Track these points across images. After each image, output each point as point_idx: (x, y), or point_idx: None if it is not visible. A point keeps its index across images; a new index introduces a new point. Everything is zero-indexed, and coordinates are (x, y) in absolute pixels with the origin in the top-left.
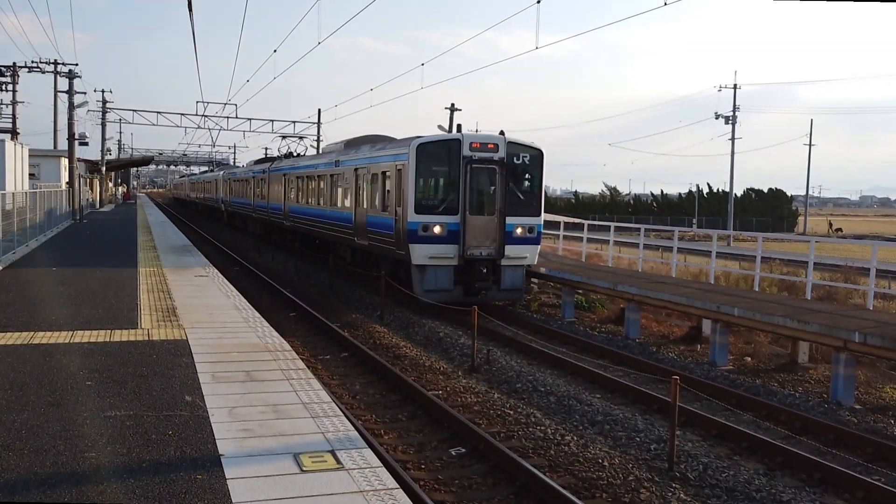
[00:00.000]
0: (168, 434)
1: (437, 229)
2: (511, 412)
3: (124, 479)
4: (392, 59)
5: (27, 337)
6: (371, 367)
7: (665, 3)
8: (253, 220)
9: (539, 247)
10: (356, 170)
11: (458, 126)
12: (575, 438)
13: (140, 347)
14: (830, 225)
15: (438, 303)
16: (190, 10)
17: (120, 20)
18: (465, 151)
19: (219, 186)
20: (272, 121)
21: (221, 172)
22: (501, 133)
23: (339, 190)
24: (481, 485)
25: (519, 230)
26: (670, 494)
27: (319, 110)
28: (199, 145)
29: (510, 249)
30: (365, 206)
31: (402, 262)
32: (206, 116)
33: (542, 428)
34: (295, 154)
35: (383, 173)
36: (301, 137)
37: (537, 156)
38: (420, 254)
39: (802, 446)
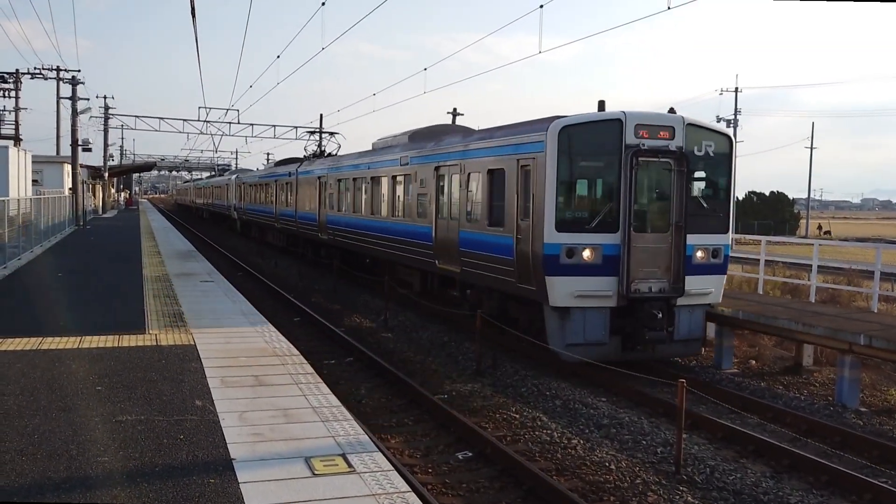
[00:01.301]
0: (179, 438)
1: (587, 254)
2: (517, 416)
3: (137, 483)
4: (394, 64)
5: (36, 342)
6: (376, 371)
7: (668, 8)
8: (275, 231)
9: (725, 276)
10: (437, 168)
11: None
12: (581, 442)
13: (148, 352)
14: (819, 228)
15: (590, 360)
16: (193, 16)
17: (123, 26)
18: (629, 138)
19: (231, 192)
20: (274, 126)
21: (234, 176)
22: (671, 111)
23: (408, 196)
24: (488, 488)
25: (700, 253)
26: (678, 497)
27: (321, 115)
28: (202, 151)
29: (691, 282)
30: (454, 217)
31: (525, 301)
32: (208, 122)
33: (549, 431)
34: (325, 153)
35: (491, 173)
36: (332, 133)
37: (726, 145)
38: (562, 291)
39: (809, 449)
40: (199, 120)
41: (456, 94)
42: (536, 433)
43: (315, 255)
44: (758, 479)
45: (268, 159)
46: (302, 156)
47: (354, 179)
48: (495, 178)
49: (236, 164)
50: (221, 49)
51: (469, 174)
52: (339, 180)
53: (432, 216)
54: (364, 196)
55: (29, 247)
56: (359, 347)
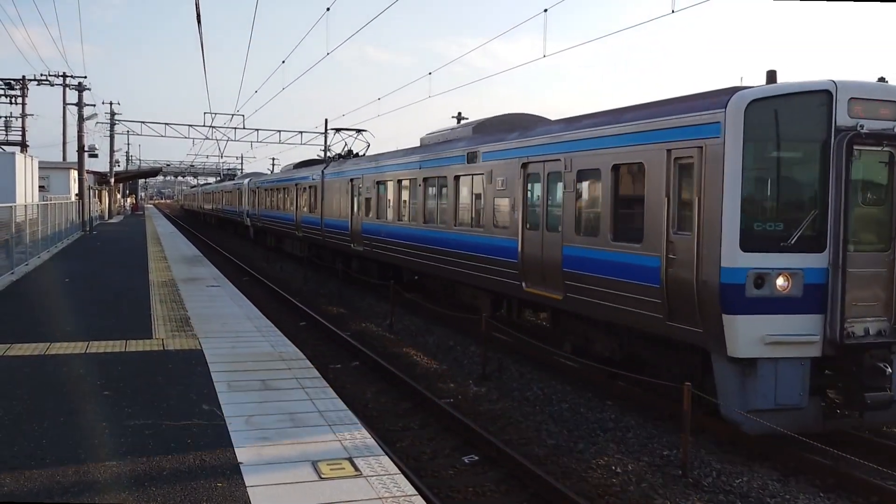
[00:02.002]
0: (187, 443)
1: (781, 283)
2: (523, 419)
3: (145, 487)
4: (399, 68)
5: (43, 348)
6: (382, 375)
7: (672, 11)
8: (295, 240)
9: None
10: (526, 165)
11: None
12: (587, 445)
13: (155, 357)
14: None
15: (781, 430)
16: (199, 22)
17: (129, 33)
18: (841, 117)
19: (243, 196)
20: (279, 131)
21: (247, 180)
22: (882, 80)
23: (480, 200)
24: (494, 492)
25: None
26: (684, 501)
27: (326, 120)
28: (207, 156)
29: None
30: (554, 228)
31: (675, 346)
32: (213, 127)
33: (555, 435)
34: (352, 153)
35: (617, 169)
36: (359, 131)
37: None
38: (748, 335)
39: (815, 451)
40: (204, 125)
41: (462, 98)
42: (542, 437)
43: (345, 267)
44: (764, 482)
45: (273, 164)
46: (321, 157)
47: (399, 181)
48: (625, 176)
49: (242, 169)
50: (227, 55)
51: (579, 171)
52: (379, 183)
53: (517, 226)
54: (414, 201)
55: (36, 252)
56: (364, 351)
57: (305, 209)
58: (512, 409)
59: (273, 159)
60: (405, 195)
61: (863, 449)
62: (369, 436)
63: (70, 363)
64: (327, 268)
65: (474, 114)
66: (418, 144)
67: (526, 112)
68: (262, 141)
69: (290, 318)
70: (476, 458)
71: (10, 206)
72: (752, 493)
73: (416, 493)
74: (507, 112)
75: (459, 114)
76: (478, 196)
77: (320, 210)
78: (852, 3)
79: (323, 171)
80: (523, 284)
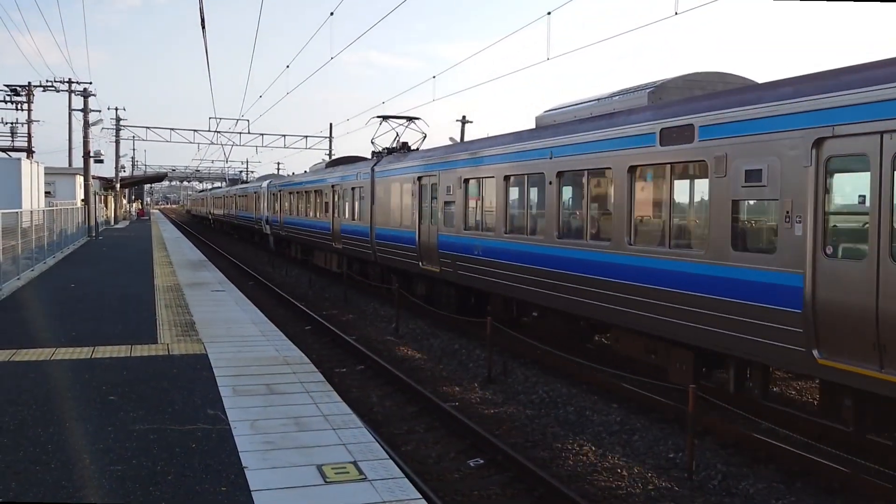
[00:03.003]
0: (192, 447)
1: None
2: (528, 423)
3: (150, 492)
4: (403, 72)
5: (49, 353)
6: (387, 379)
7: (675, 13)
8: (331, 253)
9: None
10: (819, 143)
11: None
12: (593, 448)
13: (160, 362)
14: None
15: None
16: (203, 27)
17: (134, 38)
18: None
19: (263, 201)
20: (284, 136)
21: (267, 182)
22: None
23: (703, 204)
24: (500, 496)
25: None
26: (690, 503)
27: (331, 124)
28: (212, 161)
29: None
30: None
31: None
32: (218, 132)
33: (560, 438)
34: (406, 146)
35: None
36: (411, 118)
37: None
38: None
39: (821, 453)
40: (209, 130)
41: (466, 102)
42: (548, 440)
43: (404, 289)
44: (770, 485)
45: (279, 168)
46: (326, 160)
47: (509, 178)
48: None
49: (247, 173)
50: (231, 60)
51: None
52: (470, 180)
53: (794, 248)
54: (538, 207)
55: (42, 258)
56: (370, 356)
57: (346, 216)
58: (517, 412)
59: (278, 164)
60: (521, 197)
61: (868, 451)
62: (374, 440)
63: (75, 368)
64: (331, 273)
65: (479, 117)
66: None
67: (720, 71)
68: (267, 145)
69: (295, 322)
70: (481, 461)
71: (17, 212)
72: (758, 495)
73: (420, 497)
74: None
75: (464, 117)
76: (691, 197)
77: (369, 217)
78: (852, 3)
79: (373, 169)
80: (816, 353)
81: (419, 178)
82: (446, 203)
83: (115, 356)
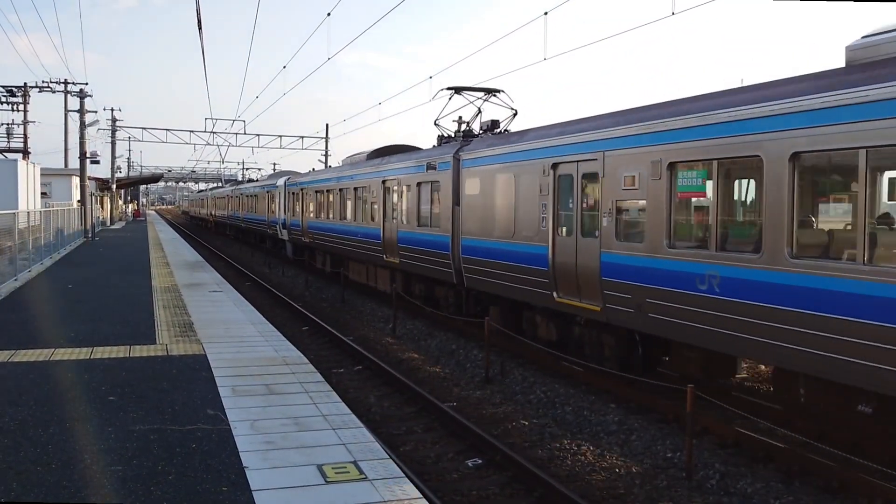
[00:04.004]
0: (192, 447)
1: None
2: (526, 423)
3: (150, 491)
4: (400, 73)
5: (48, 354)
6: (385, 379)
7: (673, 13)
8: (382, 269)
9: None
10: None
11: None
12: (591, 448)
13: (159, 363)
14: None
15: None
16: (200, 28)
17: (130, 39)
18: None
19: (279, 202)
20: (280, 136)
21: (283, 180)
22: None
23: None
24: (499, 495)
25: None
26: (688, 503)
27: (327, 125)
28: (208, 162)
29: None
30: None
31: None
32: (214, 133)
33: (558, 438)
34: (496, 125)
35: None
36: (491, 91)
37: None
38: None
39: (820, 453)
40: (205, 131)
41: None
42: (546, 440)
43: (517, 328)
44: (768, 484)
45: (274, 169)
46: (322, 161)
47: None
48: None
49: (243, 174)
50: (228, 60)
51: None
52: (689, 166)
53: None
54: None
55: (39, 259)
56: (368, 356)
57: (407, 221)
58: (515, 412)
59: (275, 164)
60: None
61: (867, 450)
62: (374, 440)
63: (74, 369)
64: (328, 274)
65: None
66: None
67: None
68: (263, 146)
69: (293, 322)
70: (480, 461)
71: (13, 213)
72: (756, 494)
73: (420, 496)
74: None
75: (460, 118)
76: None
77: (450, 223)
78: (852, 3)
79: (457, 157)
80: None
81: (554, 166)
82: (619, 205)
83: (114, 357)
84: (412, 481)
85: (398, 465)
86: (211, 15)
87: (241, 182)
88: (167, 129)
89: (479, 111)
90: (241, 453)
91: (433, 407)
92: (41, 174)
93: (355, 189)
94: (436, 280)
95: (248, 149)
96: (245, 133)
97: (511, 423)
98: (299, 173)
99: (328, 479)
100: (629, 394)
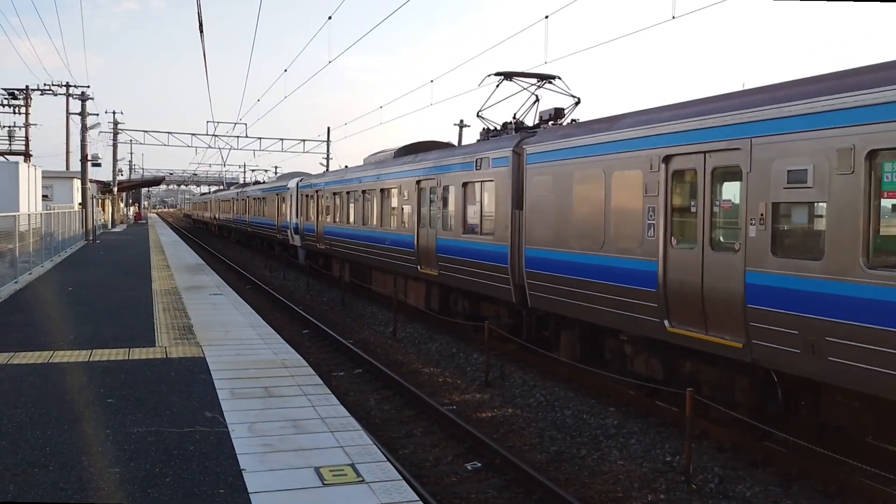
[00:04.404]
0: (189, 450)
1: None
2: (525, 426)
3: (148, 493)
4: (401, 76)
5: (47, 356)
6: (385, 382)
7: (673, 17)
8: (422, 283)
9: None
10: None
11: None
12: (590, 452)
13: (158, 365)
14: None
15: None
16: (201, 31)
17: (132, 42)
18: None
19: (290, 205)
20: (282, 139)
21: (295, 181)
22: None
23: None
24: (497, 499)
25: None
26: None
27: (329, 128)
28: (210, 165)
29: None
30: None
31: None
32: (216, 136)
33: (557, 442)
34: (560, 114)
35: None
36: (545, 77)
37: None
38: None
39: (818, 456)
40: (207, 134)
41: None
42: (545, 443)
43: (596, 360)
44: (767, 488)
45: (276, 172)
46: (325, 165)
47: None
48: None
49: (244, 177)
50: (229, 64)
51: None
52: None
53: None
54: None
55: (39, 261)
56: (367, 359)
57: (450, 226)
58: (515, 415)
59: (276, 167)
60: None
61: (865, 454)
62: (371, 442)
63: (73, 371)
64: (330, 277)
65: (474, 121)
66: None
67: None
68: (264, 149)
69: (292, 326)
70: (479, 464)
71: (14, 216)
72: (755, 498)
73: (418, 499)
74: None
75: (461, 121)
76: None
77: (509, 230)
78: (852, 3)
79: (518, 151)
80: None
81: (667, 159)
82: (776, 209)
83: (113, 359)
84: (410, 484)
85: (396, 468)
86: (212, 18)
87: (248, 184)
88: (169, 132)
89: (537, 99)
90: (238, 455)
91: (433, 410)
92: (42, 177)
93: (381, 191)
94: (486, 297)
95: (250, 152)
96: (247, 136)
97: (510, 426)
98: (311, 174)
99: (325, 482)
100: (628, 398)
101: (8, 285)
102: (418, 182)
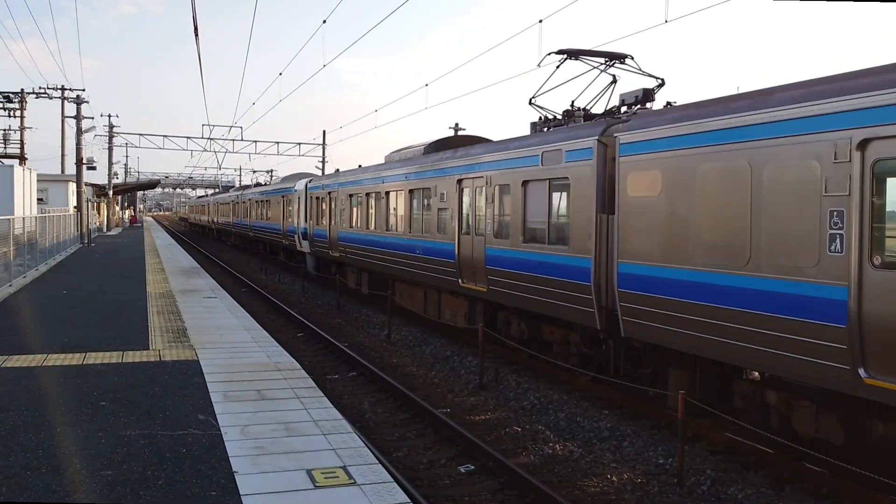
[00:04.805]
0: (182, 452)
1: None
2: (519, 429)
3: (140, 495)
4: (397, 79)
5: (40, 359)
6: (379, 385)
7: (666, 21)
8: (465, 299)
9: None
10: None
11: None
12: (583, 455)
13: (152, 368)
14: None
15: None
16: (196, 35)
17: (127, 46)
18: None
19: (296, 208)
20: (277, 143)
21: (303, 182)
22: None
23: None
24: (490, 501)
25: None
26: None
27: (324, 132)
28: (205, 168)
29: None
30: None
31: None
32: (211, 139)
33: (551, 444)
34: (648, 95)
35: None
36: (617, 56)
37: None
38: None
39: (810, 459)
40: (202, 137)
41: (458, 110)
42: (539, 446)
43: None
44: (759, 490)
45: (272, 176)
46: (319, 168)
47: None
48: None
49: (240, 180)
50: (225, 67)
51: None
52: None
53: None
54: None
55: (34, 265)
56: (362, 362)
57: (503, 234)
58: (508, 418)
59: (271, 171)
60: None
61: (857, 456)
62: (364, 444)
63: (67, 374)
64: (325, 280)
65: (472, 125)
66: None
67: None
68: (260, 153)
69: (287, 329)
70: (472, 467)
71: (9, 219)
72: (746, 500)
73: (409, 501)
74: None
75: (457, 125)
76: None
77: (597, 240)
78: (852, 2)
79: (605, 141)
80: None
81: (863, 145)
82: None
83: (107, 362)
84: (401, 486)
85: (388, 470)
86: (207, 22)
87: (248, 186)
88: (164, 136)
89: (614, 80)
90: (230, 458)
91: (426, 413)
92: (38, 180)
93: (411, 192)
94: (553, 319)
95: (245, 155)
96: (242, 139)
97: (504, 429)
98: (317, 175)
99: (317, 484)
100: (622, 400)
101: (2, 288)
102: (459, 181)
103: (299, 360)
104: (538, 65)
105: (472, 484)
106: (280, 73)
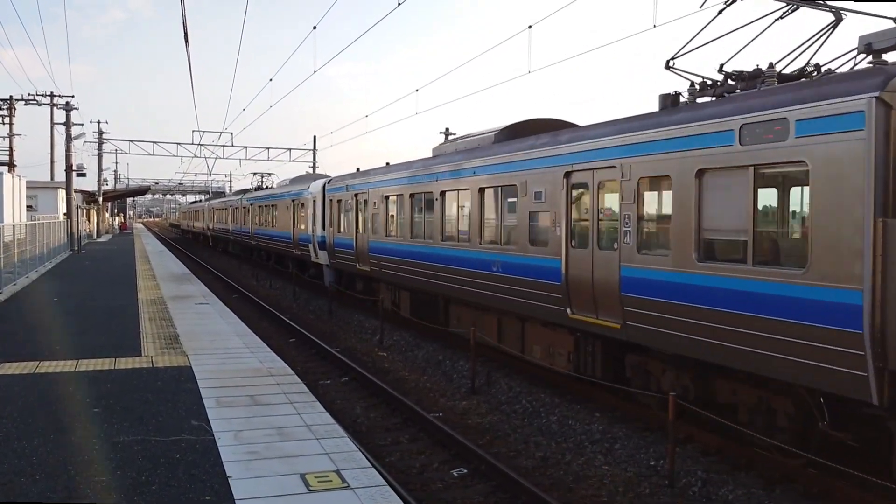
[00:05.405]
0: (176, 458)
1: None
2: (511, 432)
3: (134, 501)
4: (387, 85)
5: (33, 366)
6: (372, 390)
7: (654, 26)
8: (571, 337)
9: None
10: None
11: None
12: (575, 457)
13: (144, 374)
14: None
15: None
16: (186, 41)
17: (118, 52)
18: None
19: (310, 214)
20: (268, 148)
21: (320, 183)
22: None
23: None
24: None
25: None
26: None
27: (315, 137)
28: (196, 174)
29: None
30: None
31: None
32: (202, 145)
33: (543, 447)
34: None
35: None
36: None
37: None
38: None
39: (802, 460)
40: (193, 143)
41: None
42: (531, 449)
43: None
44: (749, 491)
45: (262, 181)
46: (311, 173)
47: None
48: None
49: (230, 186)
50: (215, 73)
51: None
52: None
53: None
54: None
55: (24, 272)
56: (354, 367)
57: (660, 249)
58: (500, 422)
59: (262, 175)
60: None
61: (848, 457)
62: (357, 449)
63: (60, 381)
64: (316, 286)
65: (459, 129)
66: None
67: None
68: (250, 158)
69: (279, 334)
70: (465, 471)
71: None
72: (737, 501)
73: None
74: None
75: (447, 129)
76: None
77: (884, 262)
78: (852, 2)
79: (889, 99)
80: None
81: None
82: None
83: (99, 369)
84: (394, 489)
85: (381, 474)
86: (198, 28)
87: (248, 190)
88: (154, 142)
89: (838, 20)
90: (224, 463)
91: (419, 417)
92: (27, 187)
93: (481, 191)
94: (757, 378)
95: (236, 161)
96: (233, 145)
97: (496, 432)
98: (336, 175)
99: (311, 488)
100: (614, 403)
101: None
102: (568, 175)
103: (291, 365)
104: (700, 6)
105: (465, 487)
106: (270, 80)
